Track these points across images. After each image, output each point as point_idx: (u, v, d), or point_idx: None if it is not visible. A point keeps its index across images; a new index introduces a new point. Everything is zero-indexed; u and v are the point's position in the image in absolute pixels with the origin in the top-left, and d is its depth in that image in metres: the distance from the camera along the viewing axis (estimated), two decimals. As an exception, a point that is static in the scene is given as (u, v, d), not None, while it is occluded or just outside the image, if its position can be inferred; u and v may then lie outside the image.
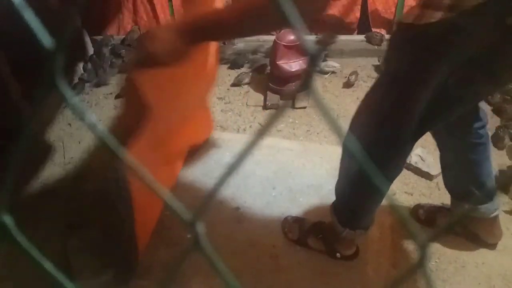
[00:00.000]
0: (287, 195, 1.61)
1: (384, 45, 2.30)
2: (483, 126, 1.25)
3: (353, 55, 2.32)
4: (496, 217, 1.34)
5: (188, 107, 1.48)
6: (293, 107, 2.02)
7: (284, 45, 1.98)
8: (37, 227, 1.56)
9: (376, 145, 0.99)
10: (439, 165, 1.65)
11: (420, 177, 1.65)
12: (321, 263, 1.38)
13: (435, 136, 1.32)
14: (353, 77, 2.13)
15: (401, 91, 0.98)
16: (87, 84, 2.29)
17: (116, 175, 1.18)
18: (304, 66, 2.01)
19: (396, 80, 0.98)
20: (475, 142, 1.25)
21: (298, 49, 2.00)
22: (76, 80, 2.30)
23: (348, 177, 1.20)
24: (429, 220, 1.43)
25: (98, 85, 2.28)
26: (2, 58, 1.77)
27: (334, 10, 2.35)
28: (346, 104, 2.05)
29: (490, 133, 1.35)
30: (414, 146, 1.74)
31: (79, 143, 1.95)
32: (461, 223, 1.36)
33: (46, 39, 0.18)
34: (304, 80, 0.18)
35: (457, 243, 1.39)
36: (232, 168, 0.24)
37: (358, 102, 2.01)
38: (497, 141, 1.74)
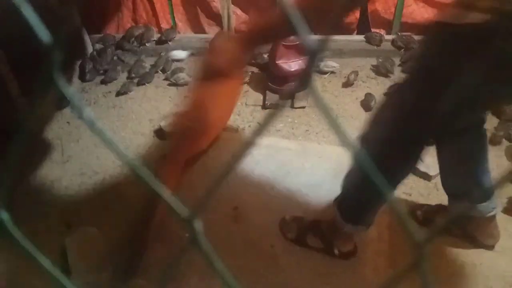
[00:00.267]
0: (286, 194, 1.61)
1: (383, 46, 2.30)
2: (482, 125, 1.25)
3: (352, 55, 2.32)
4: (494, 217, 1.34)
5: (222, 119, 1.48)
6: (292, 106, 2.02)
7: (283, 44, 1.98)
8: (35, 225, 1.56)
9: (401, 138, 1.02)
10: (437, 166, 1.65)
11: (419, 178, 1.65)
12: (320, 263, 1.38)
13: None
14: (352, 76, 2.13)
15: (435, 88, 0.97)
16: (86, 83, 2.29)
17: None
18: (303, 66, 2.01)
19: (431, 77, 0.97)
20: (473, 140, 1.25)
21: (298, 49, 2.00)
22: (75, 78, 2.30)
23: (360, 171, 1.18)
24: (427, 221, 1.43)
25: (99, 83, 2.28)
26: (1, 56, 1.77)
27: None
28: (345, 104, 2.05)
29: (488, 134, 1.35)
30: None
31: (78, 141, 1.95)
32: (458, 225, 1.36)
33: (44, 34, 0.18)
34: (303, 79, 0.18)
35: (455, 244, 1.39)
36: (230, 167, 0.24)
37: (357, 102, 2.04)
38: (495, 141, 1.75)
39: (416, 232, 0.23)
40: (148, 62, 2.37)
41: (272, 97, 2.06)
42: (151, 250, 1.41)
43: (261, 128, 0.23)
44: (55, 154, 1.88)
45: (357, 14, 2.38)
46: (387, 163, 1.09)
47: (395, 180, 1.14)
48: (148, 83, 2.24)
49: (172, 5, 2.43)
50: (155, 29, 2.52)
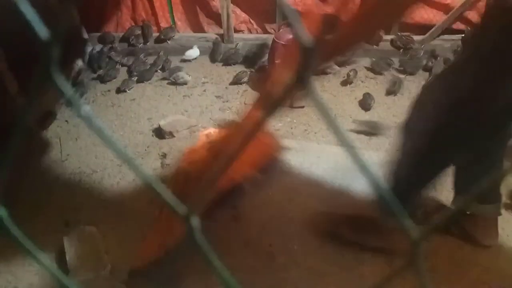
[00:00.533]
0: (285, 194, 1.61)
1: (383, 46, 2.30)
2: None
3: (349, 55, 2.32)
4: (496, 218, 1.33)
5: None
6: (291, 106, 2.02)
7: (282, 44, 1.98)
8: (33, 223, 1.56)
9: (453, 127, 0.98)
10: (435, 166, 1.66)
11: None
12: (318, 263, 1.38)
13: None
14: (352, 73, 2.14)
15: (498, 74, 0.92)
16: (85, 80, 2.28)
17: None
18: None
19: (494, 62, 0.92)
20: (500, 139, 1.20)
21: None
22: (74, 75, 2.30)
23: (412, 157, 1.13)
24: (426, 219, 1.44)
25: (99, 81, 2.28)
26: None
27: (329, 8, 2.35)
28: (344, 104, 2.06)
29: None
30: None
31: (76, 140, 1.94)
32: (458, 224, 1.35)
33: (42, 30, 0.18)
34: (300, 79, 0.18)
35: (453, 243, 1.39)
36: (225, 165, 0.24)
37: (356, 102, 2.05)
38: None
39: (413, 229, 0.23)
40: (147, 61, 2.37)
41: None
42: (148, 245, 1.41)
43: (256, 127, 0.23)
44: (53, 153, 1.88)
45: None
46: (434, 155, 1.06)
47: (437, 174, 1.10)
48: (147, 81, 2.24)
49: (171, 4, 2.43)
50: (154, 28, 2.53)
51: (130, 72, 2.30)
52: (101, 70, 2.31)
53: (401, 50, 2.27)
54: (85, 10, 2.41)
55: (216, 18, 2.50)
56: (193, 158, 1.71)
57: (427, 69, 2.21)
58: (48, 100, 2.03)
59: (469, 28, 2.23)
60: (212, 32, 2.53)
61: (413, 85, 2.10)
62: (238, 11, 2.47)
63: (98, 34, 2.50)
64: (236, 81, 2.20)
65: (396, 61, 2.24)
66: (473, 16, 2.27)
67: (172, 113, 2.03)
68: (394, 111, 1.95)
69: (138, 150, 1.86)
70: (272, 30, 2.49)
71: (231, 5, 2.31)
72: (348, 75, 2.14)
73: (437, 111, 1.02)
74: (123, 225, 1.54)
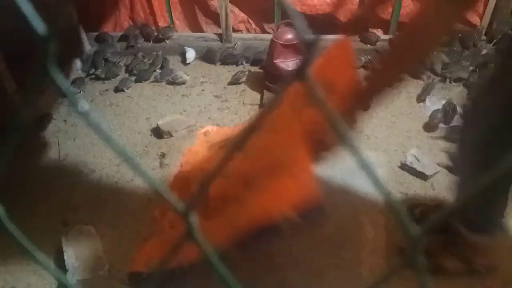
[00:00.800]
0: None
1: (379, 45, 2.30)
2: None
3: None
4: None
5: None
6: (290, 106, 2.02)
7: (281, 44, 1.98)
8: (31, 223, 1.56)
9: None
10: (434, 166, 1.66)
11: (415, 177, 1.65)
12: (316, 263, 1.38)
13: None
14: None
15: None
16: (85, 80, 2.28)
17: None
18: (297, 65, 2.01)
19: None
20: None
21: (296, 48, 2.00)
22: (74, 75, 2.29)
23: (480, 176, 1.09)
24: (424, 220, 1.44)
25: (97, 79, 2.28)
26: (-3, 53, 1.76)
27: (325, 6, 2.35)
28: (343, 104, 2.05)
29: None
30: (410, 146, 1.76)
31: (74, 139, 1.94)
32: (457, 246, 1.29)
33: (39, 25, 0.18)
34: (300, 69, 0.18)
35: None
36: (222, 164, 0.24)
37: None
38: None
39: (412, 227, 0.23)
40: (145, 61, 2.36)
41: (269, 96, 2.07)
42: (146, 244, 1.41)
43: (253, 126, 0.23)
44: (51, 152, 1.88)
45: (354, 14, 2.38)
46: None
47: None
48: (145, 80, 2.24)
49: (169, 3, 2.42)
50: (152, 28, 2.52)
51: (128, 72, 2.30)
52: (99, 70, 2.30)
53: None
54: (83, 9, 2.41)
55: (214, 17, 2.50)
56: (194, 159, 1.71)
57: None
58: (45, 102, 2.02)
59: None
60: (210, 32, 2.53)
61: (411, 85, 2.11)
62: (236, 10, 2.47)
63: (96, 33, 2.49)
64: (234, 81, 2.20)
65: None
66: (471, 16, 2.27)
67: (171, 113, 2.03)
68: (392, 110, 1.95)
69: (136, 149, 1.86)
70: (271, 30, 2.49)
71: (230, 4, 2.30)
72: None
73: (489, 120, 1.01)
74: (121, 225, 1.54)
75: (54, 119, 2.05)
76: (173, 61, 2.38)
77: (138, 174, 0.23)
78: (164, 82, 2.24)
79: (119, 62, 2.33)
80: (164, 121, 1.93)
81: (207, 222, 1.28)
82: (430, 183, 1.63)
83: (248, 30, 2.55)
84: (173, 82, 2.22)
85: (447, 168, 1.66)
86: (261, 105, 2.07)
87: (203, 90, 2.19)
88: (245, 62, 2.34)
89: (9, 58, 1.82)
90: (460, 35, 2.20)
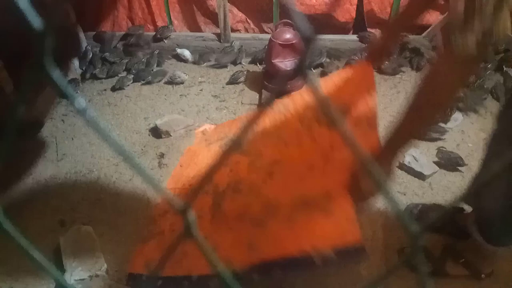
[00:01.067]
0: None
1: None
2: None
3: (347, 55, 2.32)
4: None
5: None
6: (288, 105, 2.02)
7: (279, 43, 1.98)
8: (29, 223, 1.55)
9: None
10: (432, 165, 1.66)
11: (413, 177, 1.65)
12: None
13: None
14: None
15: None
16: (85, 80, 2.28)
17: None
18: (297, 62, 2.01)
19: None
20: None
21: (294, 48, 2.00)
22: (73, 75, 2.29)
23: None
24: (422, 220, 1.44)
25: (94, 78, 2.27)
26: (-6, 52, 1.76)
27: (323, 6, 2.35)
28: (341, 104, 2.06)
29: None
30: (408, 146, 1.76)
31: (72, 139, 1.94)
32: (459, 251, 1.30)
33: (35, 20, 0.17)
34: (299, 64, 0.18)
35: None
36: (219, 163, 0.24)
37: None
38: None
39: (412, 225, 0.23)
40: (143, 60, 2.36)
41: (268, 96, 2.07)
42: (145, 245, 1.41)
43: (249, 125, 0.23)
44: (49, 152, 1.87)
45: (352, 13, 2.38)
46: None
47: None
48: (143, 80, 2.24)
49: (168, 3, 2.42)
50: (150, 27, 2.52)
51: (126, 72, 2.30)
52: (97, 69, 2.30)
53: (398, 50, 2.28)
54: (81, 8, 2.40)
55: (213, 17, 2.49)
56: (194, 158, 1.71)
57: (419, 68, 2.21)
58: (38, 108, 2.01)
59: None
60: (209, 32, 2.53)
61: (409, 85, 2.11)
62: (235, 10, 2.47)
63: (94, 33, 2.49)
64: (233, 81, 2.20)
65: (395, 60, 2.24)
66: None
67: (169, 113, 2.03)
68: (390, 110, 1.95)
69: (134, 149, 1.85)
70: (269, 30, 2.49)
71: (228, 4, 2.30)
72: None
73: None
74: (119, 225, 1.53)
75: (52, 119, 2.04)
76: (171, 61, 2.38)
77: (137, 172, 0.22)
78: (163, 82, 2.24)
79: (117, 62, 2.33)
80: (162, 121, 1.92)
81: (220, 236, 1.28)
82: (428, 183, 1.63)
83: (246, 30, 2.55)
84: (171, 82, 2.21)
85: (445, 168, 1.66)
86: (259, 104, 2.07)
87: (201, 90, 2.19)
88: (244, 62, 2.34)
89: (7, 58, 1.81)
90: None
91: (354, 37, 2.36)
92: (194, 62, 2.36)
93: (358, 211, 1.08)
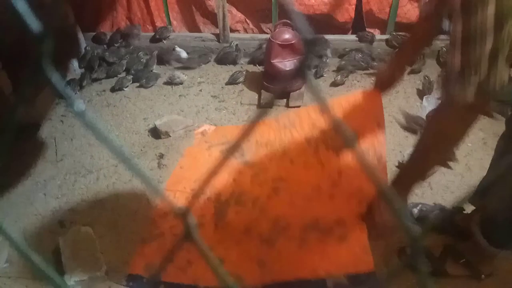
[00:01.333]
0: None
1: (375, 45, 2.31)
2: None
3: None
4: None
5: None
6: (288, 106, 2.02)
7: (278, 44, 1.98)
8: (29, 224, 1.55)
9: None
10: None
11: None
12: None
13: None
14: (339, 78, 2.15)
15: None
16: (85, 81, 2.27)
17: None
18: (297, 64, 2.01)
19: None
20: None
21: (293, 48, 2.00)
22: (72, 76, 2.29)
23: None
24: (421, 219, 1.44)
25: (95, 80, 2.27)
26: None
27: (325, 8, 2.35)
28: (340, 104, 2.06)
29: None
30: (407, 146, 1.76)
31: (71, 140, 1.93)
32: (462, 255, 1.30)
33: (34, 24, 0.17)
34: (300, 66, 0.18)
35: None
36: (220, 164, 0.24)
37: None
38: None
39: (413, 227, 0.23)
40: (142, 61, 2.36)
41: (267, 96, 2.06)
42: (145, 246, 1.41)
43: (251, 126, 0.23)
44: (48, 153, 1.87)
45: (351, 13, 2.38)
46: None
47: None
48: (143, 80, 2.23)
49: (167, 3, 2.42)
50: (149, 28, 2.52)
51: (125, 72, 2.30)
52: (96, 70, 2.30)
53: (397, 50, 2.28)
54: (80, 9, 2.40)
55: (212, 17, 2.49)
56: (194, 160, 1.70)
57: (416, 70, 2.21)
58: (37, 109, 2.01)
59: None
60: (208, 32, 2.53)
61: (409, 85, 2.11)
62: (234, 10, 2.47)
63: (93, 33, 2.49)
64: (232, 81, 2.20)
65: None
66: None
67: (168, 113, 2.03)
68: (389, 110, 1.95)
69: (134, 150, 1.85)
70: (268, 30, 2.49)
71: (227, 4, 2.30)
72: (335, 78, 2.16)
73: None
74: (119, 226, 1.53)
75: (51, 120, 2.04)
76: (171, 61, 2.37)
77: (136, 175, 0.22)
78: (162, 82, 2.24)
79: (116, 62, 2.33)
80: (161, 121, 1.92)
81: (226, 249, 1.28)
82: (427, 183, 1.63)
83: (245, 30, 2.55)
84: (170, 83, 2.21)
85: (444, 167, 1.66)
86: (258, 105, 2.07)
87: (200, 90, 2.18)
88: (243, 62, 2.34)
89: (6, 59, 1.81)
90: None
91: (353, 37, 2.36)
92: (188, 60, 2.35)
93: (372, 239, 1.09)
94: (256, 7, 2.46)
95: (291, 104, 2.02)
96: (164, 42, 2.42)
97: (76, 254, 1.39)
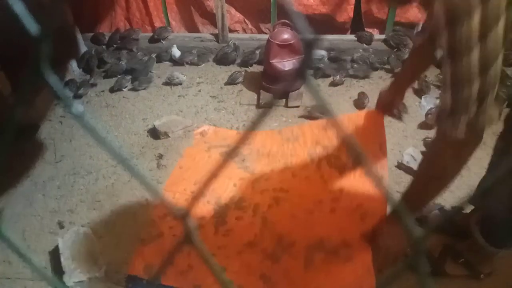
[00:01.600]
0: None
1: (374, 44, 2.31)
2: None
3: (346, 54, 2.32)
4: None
5: None
6: (287, 106, 2.02)
7: (277, 44, 1.98)
8: (28, 225, 1.55)
9: None
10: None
11: (412, 177, 1.65)
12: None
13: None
14: (337, 78, 2.14)
15: None
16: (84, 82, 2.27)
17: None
18: (297, 65, 2.01)
19: None
20: None
21: (292, 48, 2.00)
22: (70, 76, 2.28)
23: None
24: (422, 219, 1.44)
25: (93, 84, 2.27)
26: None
27: (324, 8, 2.35)
28: (339, 104, 2.05)
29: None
30: (406, 146, 1.76)
31: (70, 141, 1.93)
32: (462, 254, 1.30)
33: (32, 26, 0.17)
34: (300, 68, 0.17)
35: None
36: (220, 166, 0.24)
37: (350, 102, 2.05)
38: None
39: (415, 229, 0.22)
40: (141, 61, 2.35)
41: (266, 96, 2.06)
42: (145, 247, 1.40)
43: (252, 126, 0.23)
44: (47, 154, 1.87)
45: (350, 13, 2.38)
46: None
47: None
48: (142, 81, 2.23)
49: (165, 4, 2.42)
50: (148, 28, 2.52)
51: (124, 73, 2.29)
52: (95, 71, 2.30)
53: (395, 50, 2.28)
54: (78, 10, 2.40)
55: (210, 18, 2.49)
56: (193, 160, 1.70)
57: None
58: (36, 110, 2.01)
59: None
60: (207, 32, 2.53)
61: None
62: (232, 11, 2.47)
63: (92, 34, 2.48)
64: (231, 81, 2.20)
65: (392, 60, 2.24)
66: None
67: (167, 113, 2.02)
68: (389, 110, 1.95)
69: (133, 150, 1.85)
70: (267, 30, 2.49)
71: (226, 5, 2.30)
72: (333, 78, 2.16)
73: None
74: (118, 226, 1.53)
75: (50, 120, 2.04)
76: (170, 62, 2.37)
77: (134, 176, 0.22)
78: (161, 83, 2.23)
79: (115, 63, 2.32)
80: (160, 122, 1.92)
81: (227, 257, 1.28)
82: (427, 182, 1.63)
83: (244, 31, 2.55)
84: (169, 83, 2.21)
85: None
86: (257, 105, 2.07)
87: (199, 91, 2.18)
88: (242, 62, 2.34)
89: (4, 60, 1.80)
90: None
91: (352, 37, 2.36)
92: (180, 59, 2.34)
93: (376, 268, 1.10)
94: (255, 7, 2.46)
95: (290, 104, 2.02)
96: (163, 42, 2.42)
97: (76, 255, 1.38)
